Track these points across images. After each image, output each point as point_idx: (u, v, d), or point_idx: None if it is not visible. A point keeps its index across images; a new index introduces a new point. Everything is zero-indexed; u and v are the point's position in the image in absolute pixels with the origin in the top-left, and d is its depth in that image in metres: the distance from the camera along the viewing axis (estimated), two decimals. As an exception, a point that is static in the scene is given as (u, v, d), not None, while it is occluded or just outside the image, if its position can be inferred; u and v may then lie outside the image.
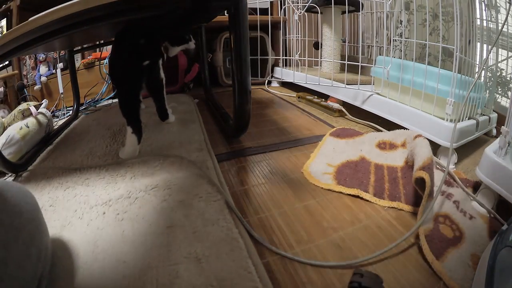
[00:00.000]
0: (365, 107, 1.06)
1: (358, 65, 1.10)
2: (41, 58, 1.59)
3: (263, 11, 1.63)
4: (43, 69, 1.60)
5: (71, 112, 1.40)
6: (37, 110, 0.98)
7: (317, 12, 1.28)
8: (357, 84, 1.09)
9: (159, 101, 0.95)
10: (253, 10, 1.46)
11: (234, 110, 0.78)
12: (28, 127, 0.91)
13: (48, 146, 0.95)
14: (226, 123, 1.00)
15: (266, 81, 1.78)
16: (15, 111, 0.96)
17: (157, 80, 0.87)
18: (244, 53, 0.70)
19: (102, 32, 0.99)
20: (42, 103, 1.05)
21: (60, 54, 1.64)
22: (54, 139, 1.01)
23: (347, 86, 1.12)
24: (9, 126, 0.92)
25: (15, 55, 0.72)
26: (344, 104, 1.19)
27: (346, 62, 1.15)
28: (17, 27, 0.58)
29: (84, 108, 1.48)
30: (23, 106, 0.96)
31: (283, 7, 1.55)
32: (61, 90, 1.52)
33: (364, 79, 1.12)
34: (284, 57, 1.63)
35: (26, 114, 0.95)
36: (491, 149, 0.61)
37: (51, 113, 1.28)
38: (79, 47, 1.44)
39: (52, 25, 0.56)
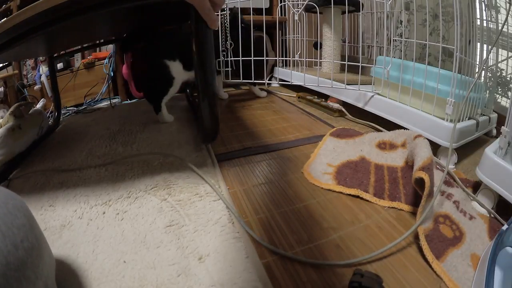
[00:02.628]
0: (368, 108, 1.06)
1: (358, 65, 1.10)
2: (41, 58, 1.59)
3: (263, 11, 1.63)
4: (43, 69, 1.60)
5: (69, 112, 1.40)
6: (34, 107, 0.97)
7: (317, 12, 1.28)
8: (357, 84, 1.09)
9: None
10: (254, 10, 1.46)
11: (199, 115, 0.72)
12: (21, 128, 0.89)
13: (39, 148, 0.94)
14: (200, 126, 0.94)
15: (266, 81, 1.78)
16: (7, 114, 0.95)
17: None
18: (207, 52, 0.64)
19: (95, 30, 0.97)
20: (39, 102, 1.04)
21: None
22: (42, 143, 1.00)
23: (347, 87, 1.12)
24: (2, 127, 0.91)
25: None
26: (344, 104, 1.19)
27: (346, 62, 1.15)
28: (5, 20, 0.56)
29: (84, 108, 1.48)
30: (14, 107, 0.95)
31: (279, 5, 1.54)
32: (49, 94, 1.54)
33: (364, 79, 1.12)
34: (281, 58, 1.63)
35: (17, 114, 0.94)
36: (491, 149, 0.61)
37: (50, 113, 1.28)
38: (62, 52, 1.41)
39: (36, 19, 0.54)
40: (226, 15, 1.26)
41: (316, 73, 1.27)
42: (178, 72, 1.02)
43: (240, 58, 1.29)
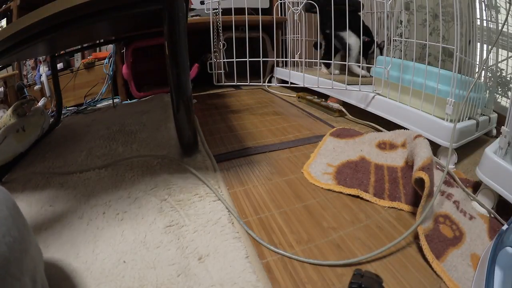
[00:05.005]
0: (370, 109, 1.05)
1: (359, 65, 1.10)
2: (41, 58, 1.59)
3: (263, 11, 1.63)
4: (43, 69, 1.60)
5: (69, 113, 1.40)
6: (36, 105, 0.96)
7: (317, 12, 1.27)
8: (356, 85, 1.09)
9: None
10: (253, 10, 1.46)
11: (175, 123, 0.69)
12: (25, 130, 0.89)
13: (39, 147, 0.94)
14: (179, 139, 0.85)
15: (266, 81, 1.78)
16: (9, 111, 0.94)
17: None
18: (181, 54, 0.61)
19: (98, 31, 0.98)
20: (41, 101, 1.04)
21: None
22: (43, 142, 0.99)
23: (348, 88, 1.12)
24: (5, 126, 0.90)
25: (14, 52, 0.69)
26: (344, 104, 1.19)
27: (347, 63, 1.15)
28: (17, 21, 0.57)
29: (84, 108, 1.48)
30: (16, 105, 0.94)
31: (278, 2, 1.53)
32: (48, 94, 1.54)
33: (364, 79, 1.12)
34: (277, 59, 1.63)
35: (20, 113, 0.93)
36: (491, 149, 0.61)
37: (51, 112, 1.28)
38: (62, 52, 1.41)
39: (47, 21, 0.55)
40: (219, 14, 1.22)
41: (316, 73, 1.27)
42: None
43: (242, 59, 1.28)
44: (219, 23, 1.22)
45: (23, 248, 0.30)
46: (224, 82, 1.32)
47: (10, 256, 0.27)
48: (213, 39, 1.23)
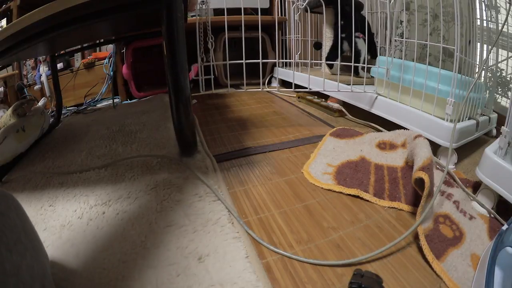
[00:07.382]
0: (374, 110, 1.04)
1: (358, 66, 1.09)
2: (41, 58, 1.59)
3: (263, 11, 1.63)
4: (43, 69, 1.60)
5: (69, 113, 1.40)
6: (35, 105, 0.96)
7: (319, 13, 1.27)
8: (356, 85, 1.08)
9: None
10: (253, 10, 1.46)
11: (173, 123, 0.70)
12: (25, 131, 0.89)
13: (39, 147, 0.94)
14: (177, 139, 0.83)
15: (266, 81, 1.78)
16: (9, 111, 0.94)
17: None
18: (180, 53, 0.62)
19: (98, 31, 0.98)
20: (41, 101, 1.04)
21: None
22: (43, 142, 0.99)
23: (353, 90, 1.11)
24: (5, 126, 0.90)
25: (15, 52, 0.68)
26: (344, 104, 1.19)
27: (352, 64, 1.14)
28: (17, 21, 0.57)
29: (84, 108, 1.48)
30: (16, 105, 0.94)
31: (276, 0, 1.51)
32: (48, 94, 1.54)
33: (362, 80, 1.11)
34: (278, 60, 1.61)
35: (20, 113, 0.93)
36: (491, 149, 0.61)
37: (51, 112, 1.28)
38: (62, 51, 1.40)
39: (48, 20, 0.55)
40: (208, 14, 1.06)
41: (316, 74, 1.27)
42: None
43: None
44: (208, 24, 1.03)
45: (33, 254, 0.30)
46: (214, 89, 1.06)
47: (21, 263, 0.27)
48: (199, 41, 1.03)
